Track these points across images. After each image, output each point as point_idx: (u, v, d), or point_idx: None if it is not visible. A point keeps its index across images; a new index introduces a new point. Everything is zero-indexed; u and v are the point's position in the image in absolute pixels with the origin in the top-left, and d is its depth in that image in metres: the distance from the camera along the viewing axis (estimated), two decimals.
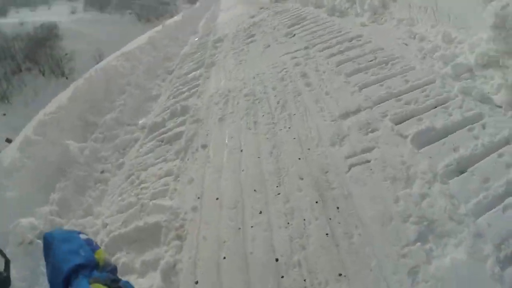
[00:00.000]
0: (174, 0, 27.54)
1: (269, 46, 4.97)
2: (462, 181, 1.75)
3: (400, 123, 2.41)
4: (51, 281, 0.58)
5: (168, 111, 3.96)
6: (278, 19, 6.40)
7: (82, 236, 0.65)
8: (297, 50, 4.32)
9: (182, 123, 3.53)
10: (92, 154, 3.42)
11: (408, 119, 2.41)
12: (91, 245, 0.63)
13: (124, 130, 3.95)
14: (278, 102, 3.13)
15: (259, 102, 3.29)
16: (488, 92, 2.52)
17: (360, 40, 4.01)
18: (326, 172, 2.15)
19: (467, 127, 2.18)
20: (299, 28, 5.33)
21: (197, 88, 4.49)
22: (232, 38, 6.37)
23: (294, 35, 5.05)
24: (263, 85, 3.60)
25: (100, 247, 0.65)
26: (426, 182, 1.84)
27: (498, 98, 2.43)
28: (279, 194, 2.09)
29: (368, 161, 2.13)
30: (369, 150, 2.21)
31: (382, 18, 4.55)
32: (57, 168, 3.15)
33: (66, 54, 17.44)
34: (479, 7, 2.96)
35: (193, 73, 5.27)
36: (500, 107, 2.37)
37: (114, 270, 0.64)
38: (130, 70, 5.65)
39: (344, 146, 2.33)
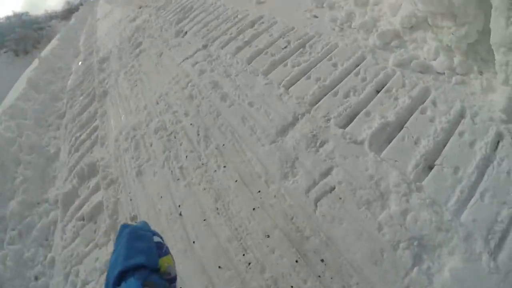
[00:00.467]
0: (47, 22, 24.25)
1: (162, 54, 4.16)
2: (434, 179, 1.63)
3: (348, 124, 2.05)
4: (109, 270, 0.61)
5: (74, 172, 3.17)
6: (162, 16, 5.46)
7: (156, 239, 0.68)
8: (195, 52, 3.65)
9: (96, 189, 2.85)
10: (15, 262, 2.86)
11: (355, 117, 2.07)
12: (161, 250, 0.66)
13: (37, 213, 3.21)
14: (198, 133, 2.50)
15: (175, 137, 2.62)
16: (425, 58, 2.29)
17: (263, 23, 3.49)
18: (292, 218, 1.73)
19: (419, 109, 1.98)
20: (188, 22, 4.57)
21: (97, 133, 3.62)
22: (117, 53, 5.29)
23: (186, 32, 4.31)
24: (172, 112, 2.90)
25: (169, 253, 0.67)
26: (402, 195, 1.62)
27: (438, 63, 2.20)
28: (250, 264, 1.65)
29: (333, 188, 1.77)
30: (328, 172, 1.84)
31: None
32: None
33: None
34: None
35: (87, 111, 4.33)
36: (442, 74, 2.15)
37: (173, 279, 0.66)
38: (17, 131, 4.47)
39: (298, 175, 1.89)
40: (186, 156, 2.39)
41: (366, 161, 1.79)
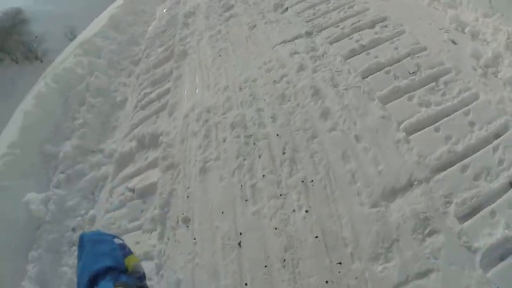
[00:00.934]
0: None
1: (255, 26, 3.70)
2: None
3: (468, 218, 1.60)
4: (78, 279, 0.62)
5: (135, 133, 3.04)
6: None
7: (117, 241, 0.70)
8: (296, 38, 3.15)
9: (154, 164, 2.68)
10: (57, 207, 2.87)
11: (478, 212, 1.61)
12: (124, 250, 0.68)
13: (89, 162, 3.21)
14: (283, 151, 2.14)
15: (254, 144, 2.27)
16: None
17: (387, 27, 2.88)
18: None
19: None
20: None
21: (167, 97, 3.37)
22: (205, 11, 4.82)
23: (287, 8, 3.76)
24: (257, 108, 2.53)
25: (132, 253, 0.69)
26: None
27: None
28: None
29: None
30: (426, 273, 1.45)
31: None
32: (23, 236, 2.70)
33: (36, 36, 16.15)
34: None
35: (162, 67, 4.06)
36: None
37: (142, 277, 0.68)
38: (88, 68, 4.38)
39: (392, 263, 1.51)
40: (263, 176, 2.06)
41: (471, 277, 1.40)
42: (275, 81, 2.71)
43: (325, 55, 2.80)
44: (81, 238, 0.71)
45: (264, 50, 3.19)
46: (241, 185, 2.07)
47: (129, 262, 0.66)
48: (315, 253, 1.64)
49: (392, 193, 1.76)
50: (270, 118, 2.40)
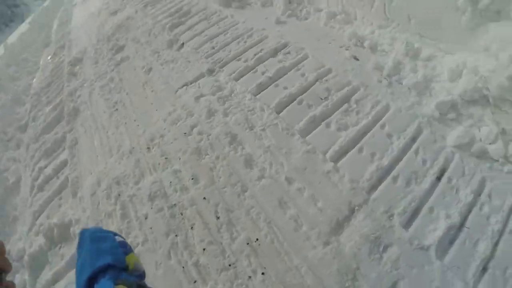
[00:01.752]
0: None
1: (151, 69, 3.58)
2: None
3: (411, 222, 1.85)
4: (78, 276, 0.64)
5: (40, 228, 2.61)
6: (151, 15, 4.83)
7: (117, 238, 0.72)
8: (198, 78, 3.15)
9: (72, 264, 2.36)
10: None
11: (419, 213, 1.88)
12: (124, 248, 0.70)
13: None
14: (217, 215, 2.02)
15: (182, 215, 2.10)
16: (481, 140, 2.20)
17: (290, 53, 3.07)
18: None
19: (478, 205, 1.88)
20: (186, 30, 4.03)
21: (66, 171, 3.02)
22: (93, 55, 4.61)
23: (183, 44, 3.75)
24: (173, 170, 2.38)
25: (133, 251, 0.72)
26: None
27: (494, 150, 2.12)
28: None
29: None
30: (394, 285, 1.63)
31: (301, 10, 3.64)
32: None
33: None
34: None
35: (53, 131, 3.69)
36: (497, 161, 2.10)
37: (142, 275, 0.70)
38: None
39: None
40: (204, 249, 1.91)
41: (432, 270, 1.64)
42: (185, 133, 2.60)
43: (233, 94, 2.81)
44: (81, 234, 0.73)
45: (166, 97, 3.07)
46: (183, 267, 1.88)
47: (130, 260, 0.68)
48: None
49: (339, 226, 1.85)
50: (191, 179, 2.26)
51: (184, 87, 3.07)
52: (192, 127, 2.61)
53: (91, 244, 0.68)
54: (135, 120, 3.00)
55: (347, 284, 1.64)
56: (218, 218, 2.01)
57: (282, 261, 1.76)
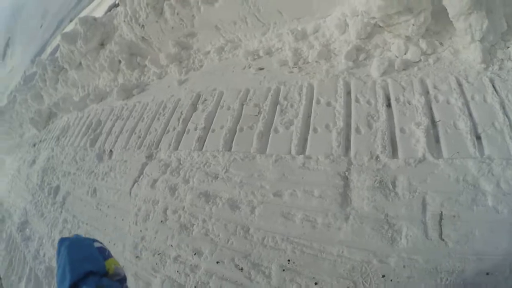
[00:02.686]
0: None
1: (95, 190, 3.41)
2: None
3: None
4: (59, 285, 0.63)
5: None
6: (68, 145, 4.68)
7: (96, 244, 0.73)
8: (143, 169, 3.06)
9: None
10: None
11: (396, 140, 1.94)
12: (103, 254, 0.72)
13: None
14: (239, 268, 1.90)
15: None
16: (397, 56, 2.54)
17: (206, 100, 3.16)
18: None
19: (433, 98, 2.15)
20: (106, 138, 3.95)
21: None
22: (36, 210, 4.32)
23: (111, 151, 3.67)
24: (173, 259, 2.21)
25: (112, 256, 0.73)
26: None
27: (411, 55, 2.47)
28: None
29: None
30: None
31: (193, 61, 3.82)
32: None
33: None
34: None
35: None
36: (419, 61, 2.44)
37: (123, 280, 0.71)
38: None
39: None
40: None
41: (443, 169, 1.72)
42: (162, 221, 2.48)
43: (181, 162, 2.78)
44: (60, 243, 0.71)
45: (124, 203, 2.94)
46: None
47: (110, 265, 0.68)
48: None
49: (345, 197, 1.85)
50: (194, 255, 2.14)
51: (136, 184, 2.95)
52: (165, 211, 2.48)
53: (70, 253, 0.67)
54: (109, 241, 2.76)
55: (389, 234, 1.64)
56: (241, 269, 1.88)
57: (324, 260, 1.71)
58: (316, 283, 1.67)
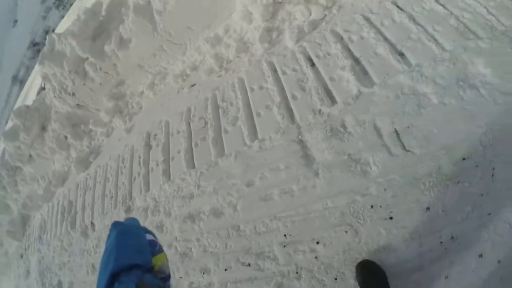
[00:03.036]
0: None
1: (93, 265, 3.33)
2: None
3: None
4: (101, 271, 0.61)
5: None
6: (49, 240, 4.50)
7: (148, 236, 0.69)
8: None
9: None
10: None
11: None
12: (153, 248, 0.67)
13: None
14: (247, 264, 1.94)
15: None
16: (305, 22, 2.70)
17: (156, 135, 3.18)
18: None
19: (346, 39, 2.26)
20: (83, 212, 3.86)
21: None
22: None
23: (92, 223, 3.60)
24: (188, 286, 2.22)
25: (162, 252, 0.69)
26: None
27: (315, 14, 2.66)
28: None
29: None
30: None
31: (131, 106, 3.85)
32: None
33: None
34: None
35: None
36: (325, 15, 2.64)
37: (167, 278, 0.67)
38: None
39: None
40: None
41: (385, 95, 1.81)
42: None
43: (157, 199, 2.78)
44: (113, 227, 0.69)
45: None
46: None
47: (157, 261, 0.65)
48: None
49: (307, 157, 1.95)
50: (202, 274, 2.14)
51: None
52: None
53: (119, 240, 0.65)
54: None
55: (358, 169, 1.74)
56: (249, 265, 1.92)
57: (314, 218, 1.78)
58: (317, 242, 1.73)
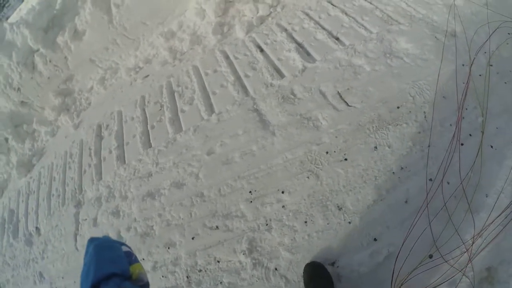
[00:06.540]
0: None
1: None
2: None
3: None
4: (82, 282, 0.61)
5: None
6: None
7: (124, 248, 0.70)
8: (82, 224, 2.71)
9: None
10: None
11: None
12: (130, 258, 0.68)
13: None
14: (214, 227, 1.83)
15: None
16: (254, 16, 2.86)
17: (109, 129, 2.94)
18: None
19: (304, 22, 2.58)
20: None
21: None
22: None
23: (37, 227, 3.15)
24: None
25: (138, 262, 0.70)
26: None
27: (262, 7, 2.85)
28: None
29: None
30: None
31: (79, 103, 3.53)
32: None
33: None
34: None
35: None
36: (274, 5, 2.87)
37: (146, 285, 0.68)
38: None
39: None
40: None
41: (348, 58, 1.98)
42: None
43: (126, 212, 2.53)
44: (89, 242, 0.69)
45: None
46: None
47: (134, 269, 0.66)
48: None
49: (264, 124, 2.00)
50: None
51: (78, 236, 2.52)
52: (119, 235, 2.21)
53: (97, 253, 0.65)
54: None
55: (311, 124, 1.84)
56: (217, 227, 1.80)
57: (276, 171, 1.78)
58: (283, 192, 1.71)
